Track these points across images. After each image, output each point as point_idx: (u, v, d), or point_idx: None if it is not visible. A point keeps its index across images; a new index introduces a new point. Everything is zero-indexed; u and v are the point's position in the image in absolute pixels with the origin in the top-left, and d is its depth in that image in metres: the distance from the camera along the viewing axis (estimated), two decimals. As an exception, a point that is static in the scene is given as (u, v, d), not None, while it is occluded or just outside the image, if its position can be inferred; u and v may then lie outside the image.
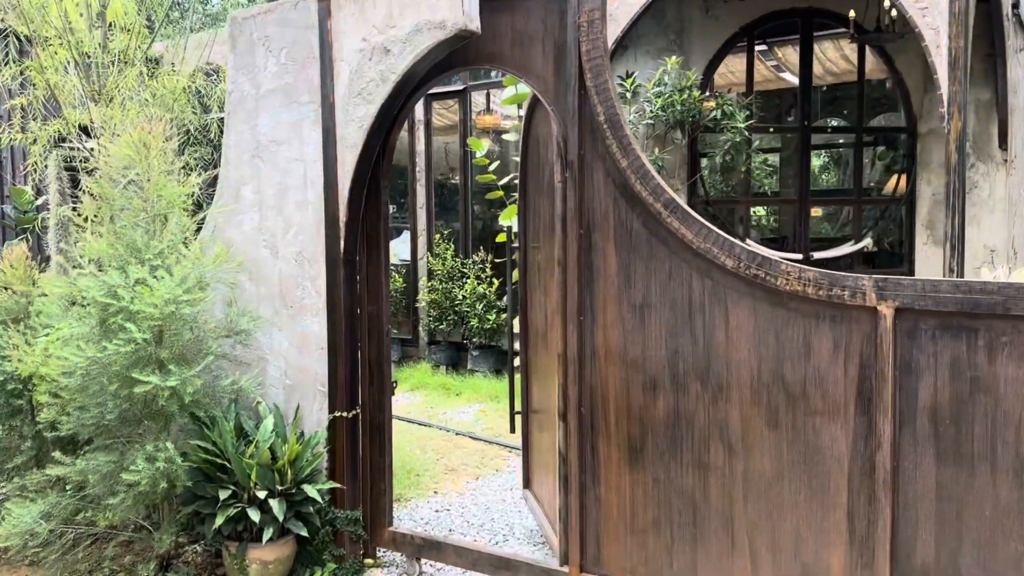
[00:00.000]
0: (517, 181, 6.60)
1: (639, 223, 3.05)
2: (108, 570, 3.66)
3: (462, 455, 5.29)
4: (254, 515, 3.40)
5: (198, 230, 4.01)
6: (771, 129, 6.70)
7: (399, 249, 8.78)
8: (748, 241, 6.81)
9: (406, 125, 8.44)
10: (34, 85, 5.52)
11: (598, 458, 3.20)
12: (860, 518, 2.70)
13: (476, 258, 7.85)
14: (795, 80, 8.99)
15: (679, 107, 5.86)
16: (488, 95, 8.50)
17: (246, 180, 3.92)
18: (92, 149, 4.93)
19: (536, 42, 3.23)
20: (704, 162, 6.67)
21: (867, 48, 7.09)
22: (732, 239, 2.87)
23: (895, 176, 7.72)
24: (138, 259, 3.48)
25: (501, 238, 6.31)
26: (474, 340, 7.64)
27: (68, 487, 3.62)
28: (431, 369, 7.84)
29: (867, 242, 6.93)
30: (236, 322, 3.73)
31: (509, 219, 6.22)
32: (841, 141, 9.34)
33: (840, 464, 2.73)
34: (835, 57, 8.59)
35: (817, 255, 6.91)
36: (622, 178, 3.06)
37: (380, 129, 3.55)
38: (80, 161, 5.22)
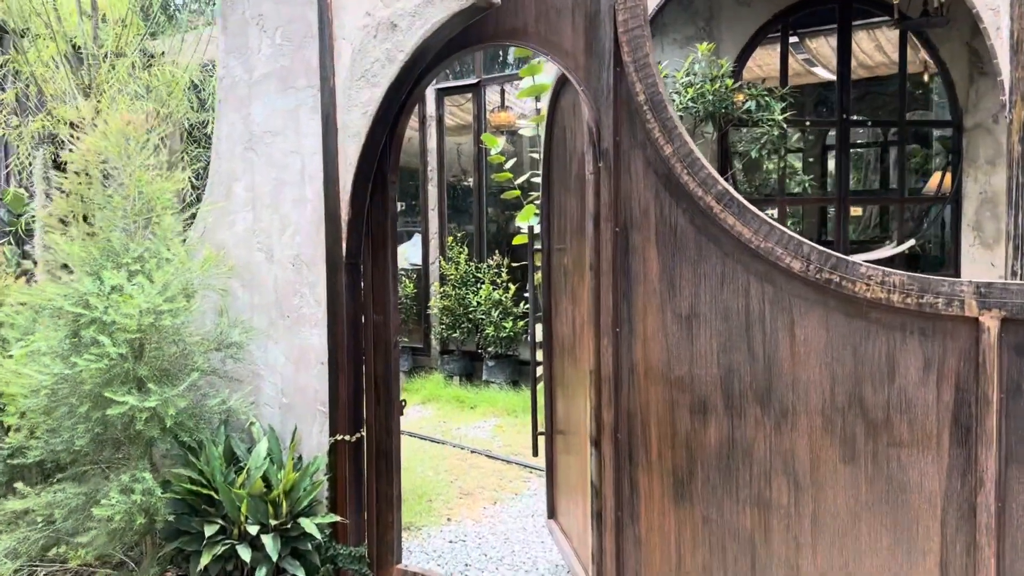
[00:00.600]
0: (534, 180, 6.20)
1: (685, 220, 2.62)
2: (82, 613, 3.27)
3: (478, 476, 4.87)
4: (245, 553, 3.00)
5: (186, 231, 3.62)
6: (807, 123, 6.26)
7: (409, 253, 8.37)
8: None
9: (416, 121, 8.03)
10: (20, 79, 5.18)
11: (638, 492, 2.77)
12: (956, 570, 2.26)
13: (491, 262, 7.43)
14: (828, 75, 8.54)
15: (710, 98, 5.43)
16: (503, 92, 8.10)
17: (238, 175, 3.53)
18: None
19: (564, 13, 2.81)
20: (737, 158, 6.24)
21: (908, 37, 6.63)
22: (800, 237, 2.43)
23: (937, 174, 7.24)
24: (115, 263, 3.09)
25: (519, 240, 5.89)
26: (489, 349, 7.21)
27: (40, 519, 3.23)
28: (444, 380, 7.42)
29: (910, 243, 6.46)
30: (227, 334, 3.33)
31: (527, 220, 5.80)
32: (860, 141, 8.88)
33: (931, 505, 2.29)
34: (869, 48, 8.13)
35: (857, 258, 6.43)
36: (665, 168, 2.63)
37: (386, 116, 3.14)
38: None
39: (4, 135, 5.09)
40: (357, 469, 3.30)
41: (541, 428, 3.88)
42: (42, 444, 2.99)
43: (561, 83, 3.42)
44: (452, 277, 7.51)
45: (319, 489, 3.24)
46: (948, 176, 6.86)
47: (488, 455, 5.26)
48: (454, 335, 7.50)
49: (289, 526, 3.11)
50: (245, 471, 3.17)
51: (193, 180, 5.49)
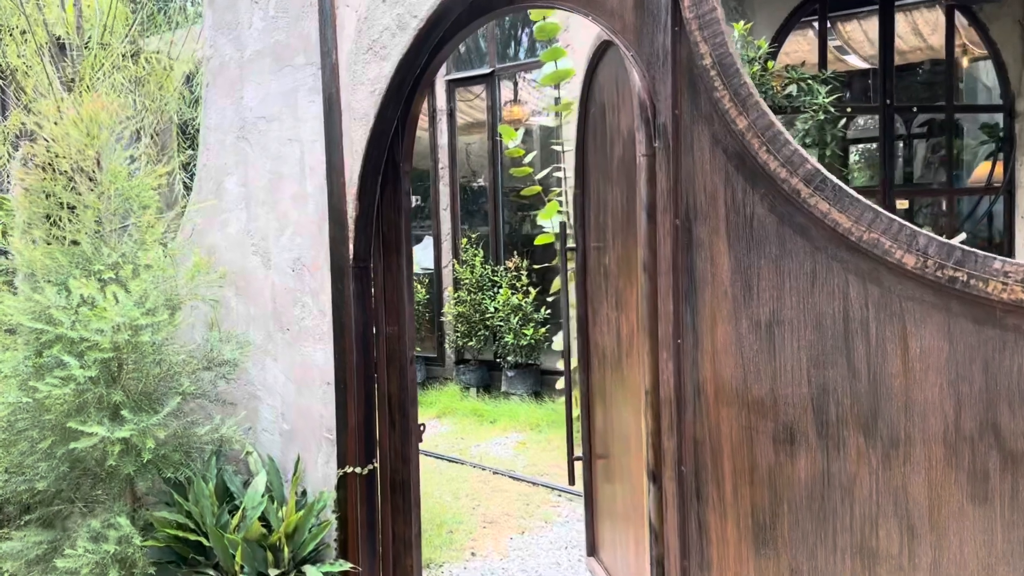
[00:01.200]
0: (555, 175, 5.75)
1: (765, 207, 2.16)
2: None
3: (502, 501, 4.41)
4: (239, 610, 2.55)
5: (174, 233, 3.19)
6: (848, 109, 5.80)
7: (420, 257, 7.92)
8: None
9: (425, 119, 7.58)
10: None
11: (707, 537, 2.30)
12: (1125, 640, 1.79)
13: (509, 265, 6.97)
14: (861, 63, 8.07)
15: (748, 82, 4.94)
16: (515, 85, 7.65)
17: (229, 169, 3.09)
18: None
19: (609, -35, 2.36)
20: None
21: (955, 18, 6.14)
22: (913, 227, 1.97)
23: (986, 163, 6.74)
24: (85, 271, 2.65)
25: (541, 240, 5.44)
26: (509, 358, 6.75)
27: (5, 571, 2.80)
28: (460, 392, 6.96)
29: (962, 237, 5.97)
30: (218, 350, 2.89)
31: (550, 217, 5.36)
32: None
33: (1091, 558, 1.82)
34: (906, 32, 7.65)
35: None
36: (739, 144, 2.17)
37: (398, 94, 2.70)
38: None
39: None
40: (370, 506, 2.85)
41: (577, 453, 3.42)
42: (0, 484, 2.55)
43: (599, 54, 2.97)
44: (467, 281, 7.06)
45: (326, 531, 2.79)
46: (1000, 165, 6.37)
47: (512, 476, 4.80)
48: (470, 343, 7.04)
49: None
50: (240, 511, 2.73)
51: (187, 181, 5.08)
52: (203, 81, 3.15)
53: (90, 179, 2.82)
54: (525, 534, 3.97)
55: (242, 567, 2.60)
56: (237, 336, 2.97)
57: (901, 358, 1.99)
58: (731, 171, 2.20)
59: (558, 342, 5.68)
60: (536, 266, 6.56)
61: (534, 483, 4.69)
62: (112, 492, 2.69)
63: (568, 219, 5.45)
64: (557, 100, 5.43)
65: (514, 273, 6.87)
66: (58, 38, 4.68)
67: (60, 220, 2.82)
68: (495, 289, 7.02)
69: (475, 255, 7.07)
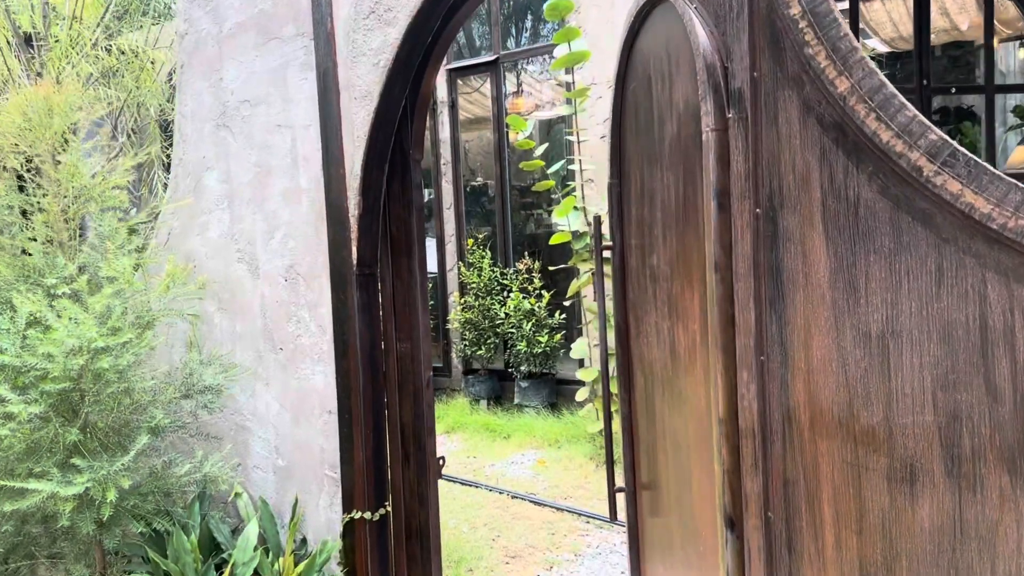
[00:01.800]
0: (570, 168, 5.33)
1: (874, 190, 1.72)
2: None
3: (525, 531, 3.97)
4: None
5: (147, 238, 2.75)
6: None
7: (423, 260, 7.47)
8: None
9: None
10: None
11: (804, 599, 1.86)
12: None
13: (520, 267, 6.53)
14: (882, 47, 7.69)
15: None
16: (518, 76, 7.21)
17: (209, 163, 2.65)
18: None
19: (664, -102, 1.93)
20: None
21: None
22: (1080, 208, 1.53)
23: (1021, 148, 6.32)
24: (35, 285, 2.21)
25: (557, 239, 5.01)
26: (521, 368, 6.30)
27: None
28: (468, 405, 6.51)
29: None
30: (199, 375, 2.45)
31: (566, 214, 4.92)
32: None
33: None
34: (932, 12, 7.23)
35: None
36: (838, 112, 1.74)
37: (407, 67, 2.26)
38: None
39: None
40: (382, 556, 2.41)
41: (619, 484, 2.97)
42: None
43: (641, 18, 2.53)
44: (474, 286, 6.62)
45: (331, 588, 2.35)
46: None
47: (533, 501, 4.36)
48: (479, 352, 6.59)
49: (291, 645, 2.22)
50: (229, 567, 2.29)
51: (168, 181, 4.63)
52: (176, 62, 2.71)
53: (41, 176, 2.38)
54: (553, 569, 3.53)
55: (231, 638, 2.16)
56: (221, 357, 2.54)
57: (1064, 377, 1.55)
58: (828, 145, 1.77)
59: (576, 349, 5.24)
60: (552, 268, 6.12)
61: (558, 508, 4.25)
62: (75, 550, 2.25)
63: (585, 215, 5.02)
64: (568, 87, 5.00)
65: (526, 276, 6.43)
66: (21, 28, 4.25)
67: (8, 226, 2.38)
68: (505, 293, 6.58)
69: (482, 257, 6.63)
